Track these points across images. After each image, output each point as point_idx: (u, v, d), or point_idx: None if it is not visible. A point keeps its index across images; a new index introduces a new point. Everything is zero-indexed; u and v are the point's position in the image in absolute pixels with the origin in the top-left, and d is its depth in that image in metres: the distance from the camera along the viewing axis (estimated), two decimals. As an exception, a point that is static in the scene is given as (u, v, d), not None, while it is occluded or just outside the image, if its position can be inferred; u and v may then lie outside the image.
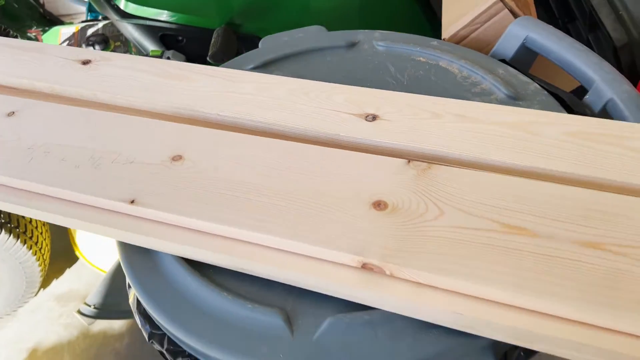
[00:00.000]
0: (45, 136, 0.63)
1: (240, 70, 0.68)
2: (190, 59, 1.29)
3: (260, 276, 0.51)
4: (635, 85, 1.04)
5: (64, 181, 0.57)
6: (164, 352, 0.55)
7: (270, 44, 0.83)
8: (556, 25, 1.34)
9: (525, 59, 0.77)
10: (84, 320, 1.32)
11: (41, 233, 1.36)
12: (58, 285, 1.50)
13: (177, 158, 0.58)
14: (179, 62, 0.71)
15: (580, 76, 0.69)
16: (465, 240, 0.46)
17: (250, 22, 1.27)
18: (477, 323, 0.44)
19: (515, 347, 0.51)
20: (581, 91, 0.72)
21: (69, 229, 1.40)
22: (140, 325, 0.58)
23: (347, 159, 0.55)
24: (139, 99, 0.67)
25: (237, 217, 0.50)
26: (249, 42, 1.35)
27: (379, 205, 0.50)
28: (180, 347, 0.54)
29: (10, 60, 0.75)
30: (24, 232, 1.27)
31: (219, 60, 1.14)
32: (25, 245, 1.27)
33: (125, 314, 1.29)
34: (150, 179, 0.56)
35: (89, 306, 1.28)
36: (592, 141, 0.52)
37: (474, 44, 0.84)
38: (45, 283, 1.49)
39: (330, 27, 1.33)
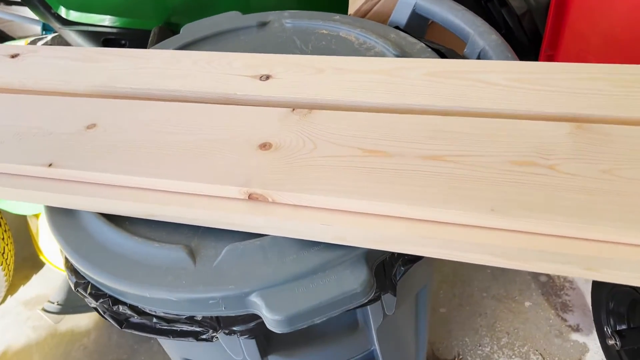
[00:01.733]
0: (-25, 121, 0.69)
1: (149, 50, 0.75)
2: (134, 60, 1.36)
3: (167, 220, 0.58)
4: (537, 49, 1.13)
5: (-11, 155, 0.63)
6: (88, 296, 0.61)
7: (190, 29, 0.90)
8: (478, 5, 1.44)
9: (418, 25, 0.85)
10: (49, 318, 1.37)
11: (2, 239, 1.40)
12: (26, 291, 1.55)
13: (91, 126, 0.64)
14: (98, 48, 0.77)
15: (460, 32, 0.77)
16: (333, 165, 0.53)
17: (187, 19, 1.34)
18: (343, 233, 0.51)
19: (392, 261, 0.58)
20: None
21: (32, 235, 1.45)
22: (68, 279, 0.64)
23: (242, 112, 0.62)
24: (60, 82, 0.74)
25: (138, 168, 0.57)
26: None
27: (264, 146, 0.57)
28: (101, 290, 0.60)
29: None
30: (-14, 239, 1.32)
31: (156, 56, 1.21)
32: (-12, 252, 1.31)
33: (88, 307, 1.34)
34: (66, 145, 0.62)
35: (53, 303, 1.33)
36: (446, 77, 0.60)
37: (375, 17, 0.92)
38: (12, 290, 1.54)
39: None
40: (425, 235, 0.48)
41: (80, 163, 0.60)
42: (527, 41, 1.15)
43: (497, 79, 0.59)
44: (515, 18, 1.13)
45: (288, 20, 0.87)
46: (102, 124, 0.64)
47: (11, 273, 1.46)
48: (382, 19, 0.91)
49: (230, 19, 0.90)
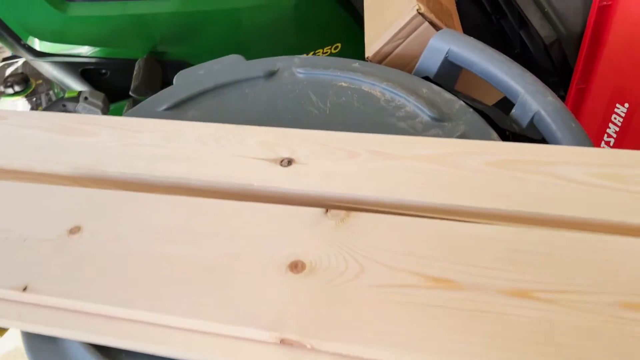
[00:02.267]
0: None
1: (144, 119, 0.63)
2: (115, 92, 1.23)
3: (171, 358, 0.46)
4: (569, 78, 1.03)
5: (-52, 269, 0.51)
6: None
7: (185, 80, 0.78)
8: (489, 21, 1.33)
9: (450, 74, 0.74)
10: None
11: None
12: (3, 343, 1.41)
13: (75, 230, 0.52)
14: (78, 115, 0.65)
15: (505, 89, 0.66)
16: (390, 300, 0.42)
17: (175, 48, 1.21)
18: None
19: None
20: (509, 104, 0.70)
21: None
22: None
23: (260, 214, 0.50)
24: (36, 161, 0.61)
25: (136, 298, 0.45)
26: (177, 69, 1.30)
27: (295, 266, 0.46)
28: None
29: None
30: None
31: (142, 93, 1.09)
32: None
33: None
34: (44, 258, 0.50)
35: None
36: (513, 169, 0.49)
37: (398, 60, 0.80)
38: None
39: (259, 46, 1.28)
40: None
41: (62, 287, 0.48)
42: (554, 71, 1.05)
43: (578, 173, 0.48)
44: (541, 46, 1.02)
45: (300, 69, 0.75)
46: (88, 227, 0.52)
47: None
48: (405, 62, 0.80)
49: (231, 67, 0.78)
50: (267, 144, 0.57)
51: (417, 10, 0.75)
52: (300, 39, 1.34)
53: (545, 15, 0.98)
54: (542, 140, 0.62)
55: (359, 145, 0.55)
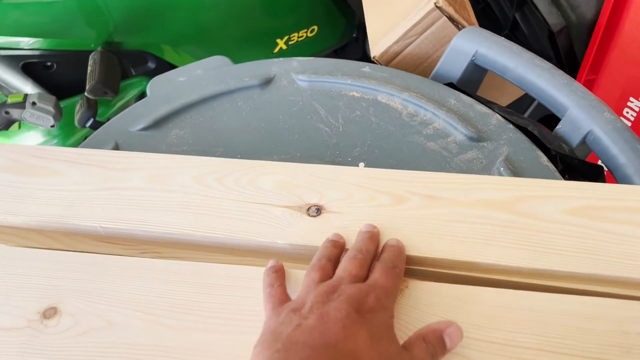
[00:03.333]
0: None
1: (121, 153, 0.50)
2: (64, 88, 1.06)
3: None
4: (576, 70, 0.96)
5: None
6: None
7: (162, 89, 0.65)
8: (476, 3, 1.23)
9: (474, 78, 0.65)
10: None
11: None
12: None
13: (49, 314, 0.40)
14: (35, 148, 0.52)
15: (547, 100, 0.58)
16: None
17: (133, 37, 1.06)
18: None
19: None
20: (540, 107, 0.61)
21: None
22: None
23: (293, 283, 0.40)
24: (-14, 212, 0.48)
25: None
26: (136, 59, 1.14)
27: (349, 361, 0.36)
28: None
29: None
30: None
31: (100, 94, 0.94)
32: None
33: None
34: (15, 359, 0.38)
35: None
36: (600, 220, 0.40)
37: (409, 60, 0.70)
38: None
39: (227, 32, 1.15)
40: None
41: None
42: (556, 60, 0.97)
43: (681, 223, 0.40)
44: (546, 33, 0.94)
45: (301, 76, 0.64)
46: (67, 309, 0.41)
47: None
48: (417, 62, 0.70)
49: (218, 73, 0.66)
50: (286, 186, 0.46)
51: (435, 3, 0.65)
52: (272, 22, 1.21)
53: (554, 1, 0.89)
54: (593, 164, 0.54)
55: (405, 186, 0.44)
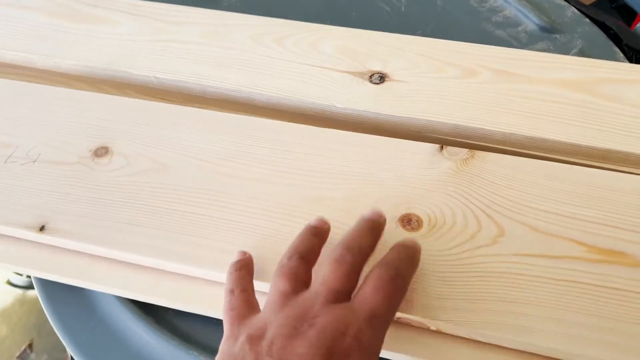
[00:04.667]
0: None
1: (179, 7, 0.48)
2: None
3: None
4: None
5: None
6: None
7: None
8: None
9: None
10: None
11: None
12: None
13: (101, 152, 0.40)
14: (90, -5, 0.49)
15: (631, -3, 0.53)
16: (542, 276, 0.32)
17: None
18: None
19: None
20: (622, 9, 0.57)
21: None
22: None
23: (350, 147, 0.38)
24: (38, 54, 0.47)
25: (185, 248, 0.34)
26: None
27: (409, 221, 0.35)
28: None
29: None
30: None
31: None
32: None
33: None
34: (65, 191, 0.38)
35: (21, 275, 1.10)
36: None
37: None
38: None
39: None
40: None
41: (88, 229, 0.36)
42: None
43: None
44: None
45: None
46: (119, 150, 0.40)
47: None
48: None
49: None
50: (349, 51, 0.44)
51: None
52: None
53: None
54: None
55: (475, 60, 0.42)
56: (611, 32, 0.52)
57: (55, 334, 0.39)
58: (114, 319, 0.39)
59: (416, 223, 0.35)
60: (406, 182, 0.36)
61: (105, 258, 0.37)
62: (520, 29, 0.53)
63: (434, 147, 0.38)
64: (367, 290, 0.27)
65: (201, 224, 0.36)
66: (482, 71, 0.41)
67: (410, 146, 0.38)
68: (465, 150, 0.37)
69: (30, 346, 1.13)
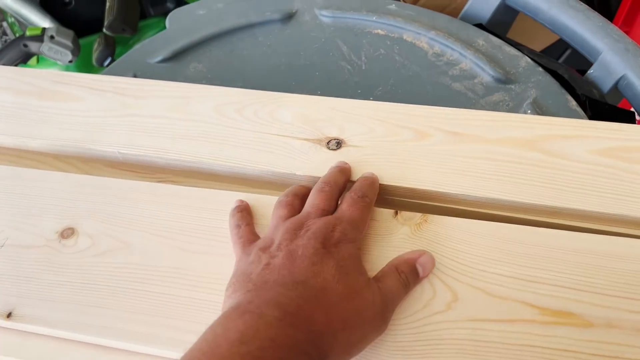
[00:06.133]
0: None
1: (140, 81, 0.49)
2: (83, 25, 1.05)
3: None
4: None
5: None
6: None
7: (181, 22, 0.64)
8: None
9: (504, 21, 0.62)
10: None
11: None
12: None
13: (67, 234, 0.41)
14: (55, 73, 0.51)
15: (580, 44, 0.55)
16: (494, 341, 0.33)
17: (153, -26, 1.03)
18: None
19: None
20: (573, 55, 0.59)
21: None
22: None
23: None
24: (6, 134, 0.48)
25: (155, 330, 0.35)
26: (157, 1, 1.12)
27: (365, 290, 0.35)
28: None
29: None
30: None
31: (118, 30, 0.92)
32: None
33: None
34: (32, 275, 0.39)
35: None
36: (633, 162, 0.39)
37: (438, 0, 0.67)
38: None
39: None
40: None
41: (58, 314, 0.37)
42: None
43: None
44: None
45: (324, 11, 0.62)
46: (84, 230, 0.41)
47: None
48: (445, 3, 0.67)
49: (239, 6, 0.64)
50: (307, 119, 0.45)
51: (467, -61, 0.62)
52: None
53: (590, -54, 0.85)
54: (624, 110, 0.52)
55: (426, 121, 0.43)
56: (564, 79, 0.53)
57: None
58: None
59: (374, 292, 0.35)
60: (364, 249, 0.37)
61: (73, 341, 0.37)
62: (476, 81, 0.55)
63: (388, 212, 0.39)
64: (344, 207, 0.36)
65: (166, 303, 0.36)
66: (434, 133, 0.42)
67: (367, 212, 0.39)
68: (419, 215, 0.39)
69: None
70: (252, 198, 0.41)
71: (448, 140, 0.42)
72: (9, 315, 0.37)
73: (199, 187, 0.44)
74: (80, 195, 0.43)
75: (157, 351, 0.35)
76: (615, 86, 0.52)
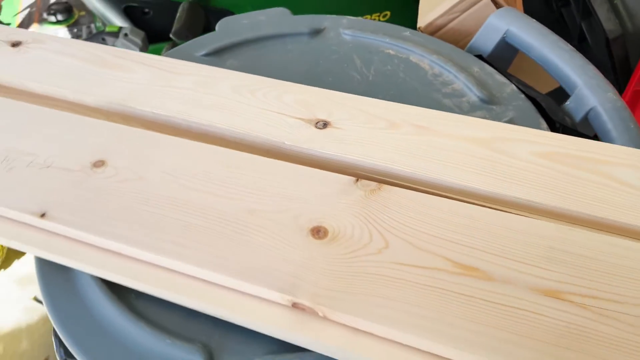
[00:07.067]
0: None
1: (181, 61, 0.61)
2: (156, 33, 1.20)
3: (181, 305, 0.45)
4: (628, 79, 0.97)
5: (-30, 186, 0.51)
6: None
7: (228, 28, 0.76)
8: (549, 8, 1.26)
9: (504, 55, 0.70)
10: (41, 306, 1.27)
11: None
12: (20, 266, 1.44)
13: (99, 164, 0.51)
14: (117, 49, 0.63)
15: (563, 79, 0.62)
16: (410, 280, 0.40)
17: (221, -5, 1.18)
18: (418, 378, 0.38)
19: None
20: (563, 94, 0.66)
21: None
22: (55, 349, 0.52)
23: (288, 174, 0.48)
24: (69, 89, 0.60)
25: (151, 240, 0.44)
26: (220, 16, 1.26)
27: (317, 232, 0.44)
28: (93, 379, 0.48)
29: None
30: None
31: (183, 37, 1.06)
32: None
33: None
34: (66, 189, 0.49)
35: (47, 292, 1.22)
36: (565, 165, 0.46)
37: (451, 35, 0.76)
38: (5, 264, 1.44)
39: (307, 3, 1.24)
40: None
41: (80, 219, 0.47)
42: (612, 69, 0.99)
43: (634, 178, 0.45)
44: (604, 40, 0.96)
45: (347, 31, 0.72)
46: (112, 163, 0.51)
47: (4, 247, 1.35)
48: (459, 38, 0.76)
49: (276, 20, 0.75)
50: (305, 103, 0.54)
51: (480, -17, 0.71)
52: (350, 0, 1.30)
53: (612, 8, 0.92)
54: (594, 138, 0.59)
55: (401, 116, 0.52)
56: (542, 107, 0.61)
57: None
58: (89, 294, 0.48)
59: (323, 233, 0.44)
60: (324, 203, 0.46)
61: (92, 245, 0.47)
62: (464, 99, 0.62)
63: (351, 179, 0.47)
64: None
65: (160, 220, 0.46)
66: (404, 125, 0.51)
67: (334, 177, 0.48)
68: (375, 184, 0.47)
69: (45, 361, 1.23)
70: (248, 157, 0.50)
71: (415, 132, 0.50)
72: (42, 215, 0.48)
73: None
74: (115, 138, 0.53)
75: (152, 257, 0.44)
76: (586, 116, 0.59)
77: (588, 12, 1.05)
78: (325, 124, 0.52)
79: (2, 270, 1.42)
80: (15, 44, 0.66)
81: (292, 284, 0.41)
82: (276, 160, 0.50)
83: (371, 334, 0.39)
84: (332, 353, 0.40)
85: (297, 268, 0.42)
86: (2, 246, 1.34)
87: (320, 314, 0.40)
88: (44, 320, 1.32)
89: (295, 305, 0.41)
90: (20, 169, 0.52)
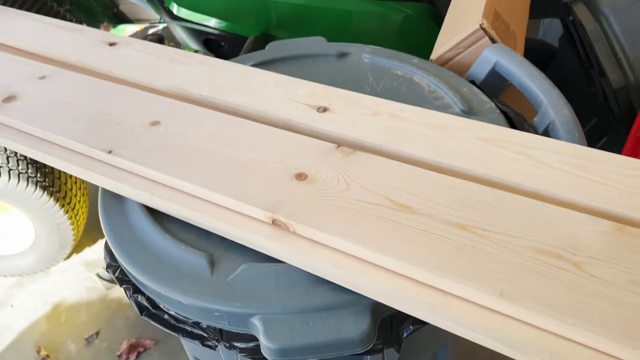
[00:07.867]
0: (64, 97, 0.76)
1: (230, 62, 0.79)
2: (228, 62, 1.43)
3: (196, 224, 0.61)
4: (630, 125, 1.07)
5: (65, 130, 0.70)
6: (115, 279, 0.65)
7: (275, 47, 0.94)
8: (582, 68, 1.38)
9: (496, 84, 0.84)
10: (101, 284, 1.47)
11: (79, 201, 1.51)
12: (89, 252, 1.66)
13: (155, 123, 0.69)
14: (184, 51, 0.83)
15: (533, 99, 0.75)
16: (359, 210, 0.54)
17: (283, 33, 1.39)
18: (353, 279, 0.51)
19: (403, 317, 0.57)
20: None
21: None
22: (103, 257, 0.69)
23: (289, 139, 0.64)
24: (143, 76, 0.80)
25: (183, 172, 0.61)
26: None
27: (300, 176, 0.59)
28: (127, 276, 0.64)
29: (51, 37, 0.91)
30: (63, 198, 1.42)
31: (246, 63, 1.27)
32: (63, 209, 1.42)
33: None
34: (129, 136, 0.67)
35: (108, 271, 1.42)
36: (499, 146, 0.59)
37: (457, 67, 0.91)
38: (78, 249, 1.66)
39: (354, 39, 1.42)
40: (431, 303, 0.47)
41: (138, 156, 0.64)
42: (620, 117, 1.09)
43: (550, 159, 0.57)
44: (611, 91, 1.07)
45: (367, 55, 0.88)
46: (165, 123, 0.69)
47: (80, 233, 1.57)
48: (462, 70, 0.90)
49: (313, 44, 0.93)
50: (313, 95, 0.71)
51: (480, 25, 0.86)
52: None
53: (617, 62, 1.03)
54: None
55: (384, 108, 0.67)
56: (511, 120, 0.73)
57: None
58: (135, 217, 0.65)
59: (304, 177, 0.58)
60: (310, 159, 0.61)
61: (151, 180, 0.64)
62: (449, 110, 0.76)
63: (334, 145, 0.62)
64: None
65: (196, 164, 0.62)
66: (384, 114, 0.66)
67: (323, 144, 0.63)
68: (350, 149, 0.61)
69: (97, 334, 1.41)
70: (264, 128, 0.67)
71: (390, 119, 0.65)
72: (110, 152, 0.66)
73: (237, 121, 0.70)
74: (170, 108, 0.72)
75: (184, 185, 0.61)
76: (546, 129, 0.71)
77: (602, 71, 1.16)
78: (325, 109, 0.68)
79: (75, 254, 1.64)
80: (111, 44, 0.88)
81: (274, 206, 0.56)
82: (284, 131, 0.66)
83: (325, 245, 0.53)
84: (297, 261, 0.54)
85: (281, 197, 0.56)
86: (76, 233, 1.56)
87: (291, 229, 0.54)
88: (102, 299, 1.51)
89: (274, 222, 0.55)
90: (100, 122, 0.70)
